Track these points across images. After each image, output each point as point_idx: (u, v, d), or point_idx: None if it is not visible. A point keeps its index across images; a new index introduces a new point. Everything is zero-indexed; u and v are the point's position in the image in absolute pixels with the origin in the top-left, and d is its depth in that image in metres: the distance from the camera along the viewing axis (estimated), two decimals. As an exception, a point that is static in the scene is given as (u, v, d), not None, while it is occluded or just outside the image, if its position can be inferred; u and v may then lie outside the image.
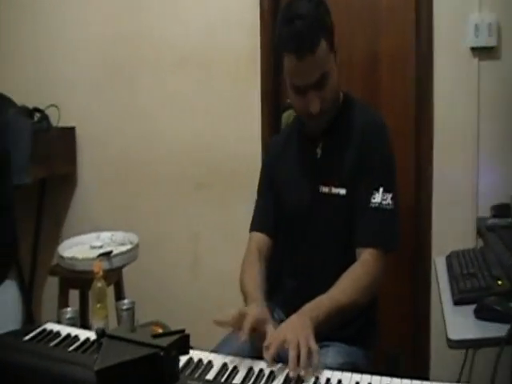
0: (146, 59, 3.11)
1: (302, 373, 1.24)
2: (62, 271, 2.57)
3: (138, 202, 3.22)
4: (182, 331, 0.96)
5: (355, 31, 2.79)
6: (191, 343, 0.98)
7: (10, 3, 3.30)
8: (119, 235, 2.79)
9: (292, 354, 1.27)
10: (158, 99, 3.12)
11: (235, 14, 2.92)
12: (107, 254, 2.52)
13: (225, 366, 1.30)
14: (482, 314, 1.53)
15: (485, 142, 2.56)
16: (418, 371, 2.66)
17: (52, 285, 2.74)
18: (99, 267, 2.05)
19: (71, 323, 1.77)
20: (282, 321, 1.67)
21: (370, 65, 2.81)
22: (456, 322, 1.55)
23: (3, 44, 3.33)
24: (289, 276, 1.83)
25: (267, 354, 1.30)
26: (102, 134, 3.25)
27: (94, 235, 2.81)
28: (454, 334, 1.46)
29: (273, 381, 1.24)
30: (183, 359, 1.28)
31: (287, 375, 1.25)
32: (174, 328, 1.00)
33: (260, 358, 1.33)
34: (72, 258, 2.53)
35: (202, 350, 1.38)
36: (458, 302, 1.65)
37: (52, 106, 3.14)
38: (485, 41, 2.50)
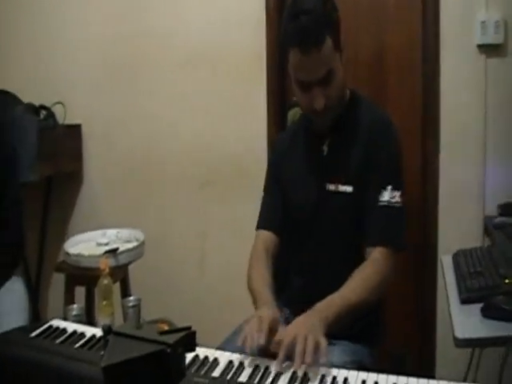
0: (152, 57, 3.11)
1: (308, 362, 1.24)
2: (68, 268, 2.58)
3: (143, 200, 3.22)
4: (189, 328, 0.96)
5: (362, 29, 2.78)
6: (197, 340, 0.98)
7: (16, 2, 3.31)
8: (125, 232, 2.79)
9: (299, 348, 1.27)
10: (164, 97, 3.12)
11: (241, 12, 2.92)
12: (113, 251, 2.52)
13: (231, 363, 1.30)
14: (489, 313, 1.52)
15: (492, 139, 2.54)
16: (424, 370, 2.66)
17: (58, 281, 2.74)
18: (105, 264, 2.05)
19: (77, 320, 1.77)
20: (287, 319, 1.67)
21: (377, 62, 2.80)
22: (463, 320, 1.54)
23: (9, 42, 3.34)
24: (295, 274, 1.83)
25: (278, 349, 1.30)
26: (108, 131, 3.25)
27: (99, 232, 2.82)
28: (461, 333, 1.46)
29: (279, 378, 1.23)
30: (189, 356, 1.28)
31: (293, 373, 1.25)
32: (180, 325, 1.00)
33: (269, 356, 1.33)
34: (78, 255, 2.53)
35: (208, 347, 1.37)
36: (465, 301, 1.64)
37: (58, 103, 3.14)
38: (492, 38, 2.49)
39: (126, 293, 2.66)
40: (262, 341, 1.32)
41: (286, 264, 1.83)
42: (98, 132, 3.26)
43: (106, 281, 2.02)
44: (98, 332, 1.42)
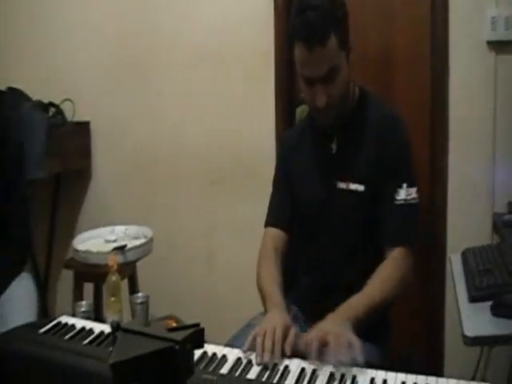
0: (161, 56, 3.11)
1: (344, 366, 1.24)
2: (77, 265, 2.58)
3: (152, 197, 3.22)
4: (197, 325, 0.96)
5: (370, 25, 2.77)
6: (205, 337, 0.98)
7: (25, -2, 3.33)
8: (133, 229, 2.80)
9: (334, 347, 1.28)
10: (172, 95, 3.12)
11: (248, 10, 2.91)
12: (121, 248, 2.53)
13: (239, 360, 1.30)
14: (498, 311, 1.51)
15: (501, 136, 2.53)
16: (432, 369, 2.64)
17: (67, 278, 2.75)
18: (114, 261, 2.06)
19: (86, 316, 1.77)
20: (295, 316, 1.67)
21: (385, 58, 2.79)
22: (472, 318, 1.53)
23: (18, 39, 3.35)
24: (302, 271, 1.83)
25: (307, 349, 1.31)
26: (117, 128, 3.25)
27: (108, 229, 2.83)
28: (470, 331, 1.45)
29: (287, 375, 1.24)
30: (198, 353, 1.28)
31: (302, 369, 1.25)
32: (187, 322, 1.00)
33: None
34: (86, 252, 2.54)
35: (216, 344, 1.37)
36: (474, 299, 1.63)
37: (67, 100, 3.15)
38: (502, 34, 2.47)
39: (134, 289, 2.67)
40: (278, 357, 1.31)
41: (293, 261, 1.83)
42: (107, 129, 3.26)
43: (114, 277, 2.03)
44: (107, 328, 1.43)
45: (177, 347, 0.89)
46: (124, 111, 3.23)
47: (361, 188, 1.68)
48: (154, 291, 2.25)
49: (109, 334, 1.38)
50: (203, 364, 1.27)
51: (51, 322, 1.48)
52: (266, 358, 1.30)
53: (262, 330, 1.40)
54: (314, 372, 1.24)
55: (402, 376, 1.22)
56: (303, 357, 1.31)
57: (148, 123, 3.19)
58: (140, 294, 2.11)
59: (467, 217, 2.61)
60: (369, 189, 1.67)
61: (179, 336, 0.91)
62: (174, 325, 0.98)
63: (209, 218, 3.13)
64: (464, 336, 1.44)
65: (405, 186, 1.66)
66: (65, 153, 3.08)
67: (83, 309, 1.87)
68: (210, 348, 1.34)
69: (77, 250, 2.57)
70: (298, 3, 1.59)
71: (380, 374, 1.23)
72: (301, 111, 2.17)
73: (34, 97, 3.09)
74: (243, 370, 1.26)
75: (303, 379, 1.22)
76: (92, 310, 1.91)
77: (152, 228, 2.77)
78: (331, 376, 1.23)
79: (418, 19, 2.70)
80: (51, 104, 3.12)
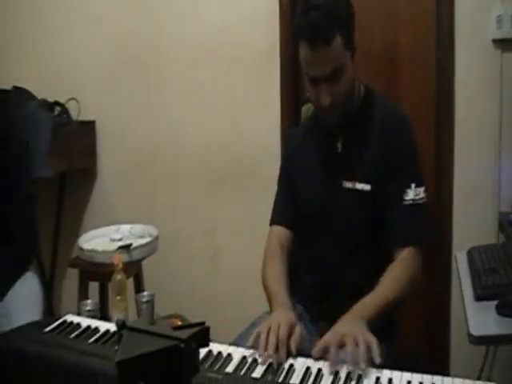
0: (165, 55, 3.11)
1: (363, 366, 1.23)
2: (82, 263, 2.59)
3: (157, 196, 3.23)
4: (202, 324, 0.96)
5: (375, 23, 2.76)
6: (210, 336, 0.98)
7: (30, -3, 3.34)
8: (138, 228, 2.80)
9: (351, 348, 1.28)
10: (177, 94, 3.12)
11: (253, 8, 2.90)
12: (127, 247, 2.53)
13: (244, 359, 1.30)
14: (503, 310, 1.51)
15: (507, 135, 2.51)
16: (438, 368, 2.63)
17: (72, 277, 2.76)
18: (119, 260, 2.06)
19: (91, 315, 1.78)
20: (300, 315, 1.66)
21: (390, 57, 2.78)
22: (478, 317, 1.53)
23: (23, 38, 3.35)
24: (305, 271, 1.82)
25: (321, 354, 1.31)
26: (122, 127, 3.25)
27: (113, 228, 2.83)
28: (476, 330, 1.45)
29: (292, 374, 1.23)
30: (203, 352, 1.28)
31: (307, 368, 1.25)
32: (193, 321, 1.00)
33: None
34: (92, 251, 2.55)
35: (221, 342, 1.37)
36: (479, 298, 1.63)
37: (72, 99, 3.15)
38: (507, 32, 2.45)
39: (139, 288, 2.67)
40: (282, 358, 1.31)
41: (297, 260, 1.83)
42: (112, 128, 3.27)
43: (119, 276, 2.03)
44: (112, 327, 1.43)
45: (182, 345, 0.89)
46: (129, 111, 3.23)
47: (367, 187, 1.68)
48: (159, 290, 2.25)
49: (114, 333, 1.38)
50: (208, 363, 1.27)
51: (56, 320, 1.48)
52: (271, 352, 1.30)
53: (266, 326, 1.40)
54: (319, 371, 1.24)
55: (407, 375, 1.22)
56: (308, 355, 1.31)
57: (153, 123, 3.19)
58: (145, 293, 2.11)
59: (473, 215, 2.60)
60: (375, 188, 1.67)
61: (184, 334, 0.91)
62: (179, 323, 0.98)
63: (211, 218, 3.13)
64: (470, 335, 1.44)
65: (413, 185, 1.65)
66: (70, 152, 3.09)
67: (88, 308, 1.87)
68: (215, 347, 1.34)
69: (82, 249, 2.57)
70: (303, 2, 1.59)
71: (386, 373, 1.23)
72: (306, 110, 2.16)
73: (39, 96, 3.09)
74: (248, 368, 1.26)
75: (308, 378, 1.22)
76: (97, 308, 1.91)
77: (157, 227, 2.77)
78: (336, 375, 1.23)
79: (422, 17, 2.69)
80: (56, 103, 3.13)
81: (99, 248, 2.58)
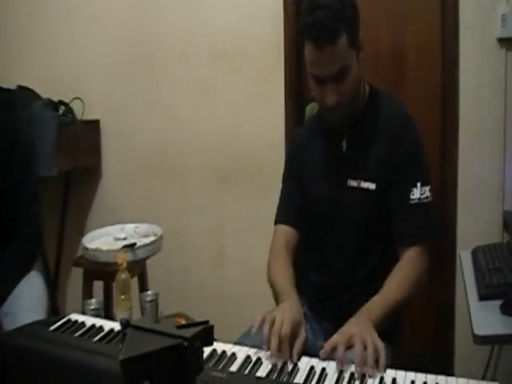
0: (170, 53, 3.12)
1: (370, 370, 1.23)
2: (87, 263, 2.59)
3: (162, 194, 3.23)
4: (206, 322, 0.96)
5: (380, 23, 2.76)
6: (215, 335, 0.98)
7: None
8: (143, 227, 2.80)
9: (359, 349, 1.27)
10: (182, 93, 3.13)
11: (258, 7, 2.91)
12: (131, 246, 2.53)
13: (248, 358, 1.30)
14: (508, 310, 1.51)
15: (511, 134, 2.51)
16: (443, 368, 2.64)
17: (77, 276, 2.76)
18: (123, 259, 2.07)
19: (95, 314, 1.78)
20: (305, 315, 1.66)
21: (396, 56, 2.79)
22: (482, 317, 1.53)
23: (27, 37, 3.37)
24: (313, 271, 1.82)
25: (329, 355, 1.30)
26: (126, 126, 3.26)
27: (118, 227, 2.83)
28: (480, 330, 1.45)
29: (296, 374, 1.24)
30: (207, 351, 1.28)
31: (311, 368, 1.25)
32: (197, 320, 1.00)
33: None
34: (96, 250, 2.55)
35: (225, 341, 1.37)
36: (483, 297, 1.63)
37: (76, 98, 3.16)
38: (512, 31, 2.46)
39: (143, 287, 2.68)
40: (286, 358, 1.31)
41: (304, 260, 1.83)
42: (116, 127, 3.28)
43: (123, 275, 2.04)
44: (116, 326, 1.43)
45: (186, 344, 0.89)
46: (133, 109, 3.24)
47: (372, 186, 1.67)
48: (163, 289, 2.25)
49: (118, 332, 1.38)
50: (213, 362, 1.27)
51: (61, 319, 1.48)
52: (274, 352, 1.31)
53: (271, 317, 1.40)
54: (323, 370, 1.24)
55: (411, 375, 1.22)
56: (312, 355, 1.31)
57: (157, 121, 3.20)
58: (149, 292, 2.11)
59: (477, 215, 2.60)
60: (380, 187, 1.67)
61: (188, 333, 0.91)
62: (184, 322, 0.98)
63: (218, 216, 3.13)
64: (474, 335, 1.44)
65: (419, 184, 1.65)
66: (75, 151, 3.09)
67: (93, 306, 1.87)
68: (219, 346, 1.34)
69: (86, 248, 2.58)
70: (309, 2, 1.58)
71: (389, 373, 1.23)
72: (311, 109, 2.16)
73: (44, 95, 3.10)
74: (252, 367, 1.26)
75: (312, 377, 1.22)
76: (102, 307, 1.92)
77: (162, 226, 2.77)
78: (340, 374, 1.23)
79: (427, 16, 2.69)
80: (61, 102, 3.14)
81: (103, 247, 2.58)
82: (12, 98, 2.57)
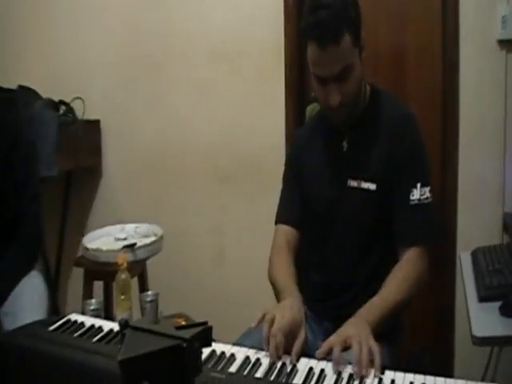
0: (171, 53, 3.12)
1: (364, 371, 1.23)
2: (87, 263, 2.60)
3: (162, 194, 3.24)
4: (205, 323, 0.97)
5: (381, 24, 2.76)
6: (215, 335, 0.98)
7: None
8: (143, 227, 2.80)
9: (357, 349, 1.28)
10: (182, 93, 3.13)
11: (259, 8, 2.91)
12: (131, 246, 2.54)
13: (247, 358, 1.30)
14: (507, 311, 1.51)
15: (512, 135, 2.52)
16: (442, 369, 2.64)
17: (77, 276, 2.76)
18: (123, 259, 2.07)
19: (95, 314, 1.78)
20: (305, 314, 1.66)
21: (397, 55, 2.79)
22: (481, 318, 1.53)
23: (28, 37, 3.37)
24: (314, 271, 1.82)
25: (325, 355, 1.31)
26: (127, 126, 3.27)
27: (118, 227, 2.84)
28: (479, 331, 1.45)
29: (295, 375, 1.24)
30: (206, 351, 1.28)
31: (310, 369, 1.25)
32: (197, 320, 1.00)
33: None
34: (96, 250, 2.55)
35: (225, 342, 1.38)
36: (483, 299, 1.63)
37: (77, 98, 3.16)
38: (513, 33, 2.46)
39: (143, 287, 2.68)
40: (280, 354, 1.32)
41: (304, 260, 1.83)
42: (117, 127, 3.28)
43: (123, 275, 2.04)
44: (116, 326, 1.43)
45: (184, 345, 0.89)
46: (134, 109, 3.24)
47: (372, 187, 1.67)
48: (164, 289, 2.25)
49: (118, 332, 1.38)
50: (212, 362, 1.27)
51: (61, 319, 1.49)
52: (273, 353, 1.31)
53: (270, 316, 1.40)
54: (322, 371, 1.24)
55: (410, 376, 1.21)
56: (311, 356, 1.31)
57: (158, 121, 3.20)
58: (149, 292, 2.11)
59: (477, 216, 2.60)
60: (380, 187, 1.67)
61: (187, 334, 0.91)
62: (183, 323, 0.98)
63: (219, 216, 3.13)
64: (473, 336, 1.44)
65: (419, 185, 1.65)
66: (75, 151, 3.09)
67: (93, 307, 1.87)
68: (218, 347, 1.34)
69: (87, 248, 2.58)
70: (311, 2, 1.58)
71: (388, 374, 1.23)
72: (311, 109, 2.16)
73: (45, 95, 3.10)
74: (252, 368, 1.26)
75: (311, 378, 1.22)
76: (102, 307, 1.92)
77: (162, 226, 2.78)
78: (339, 375, 1.23)
79: (428, 17, 2.70)
80: (62, 102, 3.14)
81: (104, 247, 2.58)
82: (13, 97, 2.58)
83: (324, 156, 1.80)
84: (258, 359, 1.30)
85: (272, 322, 1.39)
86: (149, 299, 2.06)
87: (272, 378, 1.22)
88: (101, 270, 2.52)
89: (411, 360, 1.72)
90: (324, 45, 1.53)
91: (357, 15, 1.60)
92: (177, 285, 3.13)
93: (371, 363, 1.25)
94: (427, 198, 1.66)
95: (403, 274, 1.60)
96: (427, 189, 1.66)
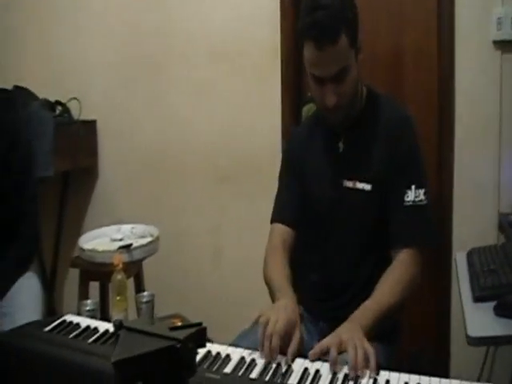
0: (171, 53, 3.12)
1: (359, 373, 1.23)
2: (83, 263, 2.60)
3: (159, 195, 3.23)
4: (199, 324, 0.97)
5: (378, 26, 2.76)
6: (213, 336, 0.99)
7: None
8: (140, 228, 2.80)
9: (352, 353, 1.28)
10: (182, 93, 3.12)
11: (256, 8, 2.91)
12: (127, 247, 2.53)
13: (243, 359, 1.31)
14: (502, 311, 1.51)
15: (507, 136, 2.51)
16: (439, 370, 2.64)
17: (74, 277, 2.76)
18: (119, 260, 2.06)
19: (91, 315, 1.78)
20: (301, 316, 1.67)
21: (394, 57, 2.79)
22: (476, 318, 1.53)
23: (24, 37, 3.36)
24: (314, 270, 1.81)
25: (318, 356, 1.31)
26: (123, 127, 3.26)
27: (114, 228, 2.83)
28: (474, 331, 1.45)
29: (290, 375, 1.24)
30: (201, 352, 1.28)
31: (305, 369, 1.25)
32: (194, 321, 1.00)
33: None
34: (92, 251, 2.55)
35: (222, 342, 1.38)
36: (478, 299, 1.63)
37: (73, 99, 3.16)
38: (508, 34, 2.45)
39: (140, 288, 2.68)
40: (275, 356, 1.32)
41: (301, 260, 1.82)
42: (113, 128, 3.28)
43: (119, 276, 2.03)
44: (111, 327, 1.44)
45: (178, 346, 0.89)
46: (130, 110, 3.24)
47: (367, 187, 1.68)
48: (160, 290, 2.26)
49: (113, 333, 1.38)
50: (207, 363, 1.27)
51: (56, 320, 1.49)
52: (267, 354, 1.32)
53: (265, 318, 1.40)
54: (317, 372, 1.25)
55: (405, 376, 1.22)
56: (306, 356, 1.31)
57: (154, 122, 3.20)
58: (145, 293, 2.11)
59: (473, 217, 2.60)
60: (376, 188, 1.67)
61: (181, 335, 0.92)
62: (179, 324, 0.98)
63: (216, 216, 3.13)
64: (467, 336, 1.44)
65: (413, 187, 1.65)
66: (72, 151, 3.09)
67: (88, 307, 1.87)
68: (213, 347, 1.34)
69: (83, 249, 2.58)
70: (309, 2, 1.58)
71: (383, 375, 1.23)
72: (307, 110, 2.16)
73: (41, 95, 3.10)
74: (247, 369, 1.27)
75: (306, 379, 1.23)
76: (97, 308, 1.91)
77: (159, 226, 2.77)
78: (334, 375, 1.23)
79: (424, 19, 2.70)
80: (58, 103, 3.14)
81: (99, 248, 2.58)
82: (11, 98, 2.58)
83: (321, 156, 1.80)
84: (253, 360, 1.30)
85: (267, 324, 1.39)
86: (145, 300, 2.06)
87: (267, 378, 1.23)
88: (97, 271, 2.52)
89: (407, 361, 1.73)
90: (321, 45, 1.53)
91: (354, 17, 1.61)
92: (176, 285, 3.13)
93: (367, 365, 1.26)
94: (421, 200, 1.65)
95: (396, 276, 1.60)
96: (422, 191, 1.66)
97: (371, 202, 1.68)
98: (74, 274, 2.79)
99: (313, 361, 1.30)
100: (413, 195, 1.65)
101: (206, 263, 3.18)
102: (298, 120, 2.48)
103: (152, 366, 0.89)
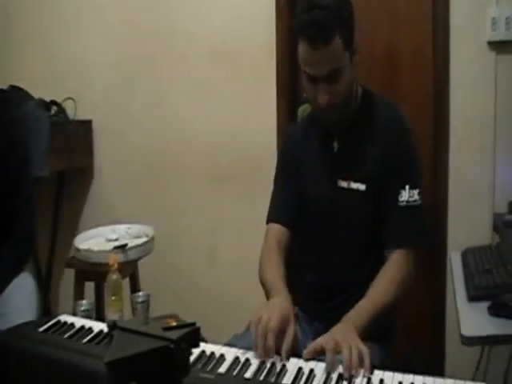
0: (171, 53, 3.12)
1: (354, 372, 1.24)
2: (78, 263, 2.59)
3: (154, 195, 3.23)
4: (193, 324, 0.97)
5: (373, 27, 2.77)
6: (207, 336, 0.99)
7: (28, -3, 3.34)
8: (135, 228, 2.80)
9: (347, 354, 1.28)
10: (182, 93, 3.12)
11: (251, 8, 2.91)
12: (122, 247, 2.53)
13: (237, 359, 1.31)
14: (496, 311, 1.52)
15: (502, 136, 2.53)
16: (434, 369, 2.64)
17: (69, 277, 2.76)
18: (114, 260, 2.07)
19: (86, 315, 1.78)
20: (296, 316, 1.67)
21: (389, 58, 2.80)
22: (470, 318, 1.54)
23: (20, 37, 3.36)
24: (310, 270, 1.81)
25: (312, 355, 1.31)
26: (119, 127, 3.26)
27: (109, 228, 2.83)
28: (468, 331, 1.46)
29: (284, 375, 1.24)
30: (196, 352, 1.28)
31: (299, 369, 1.26)
32: (189, 321, 1.00)
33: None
34: (87, 251, 2.55)
35: (217, 343, 1.38)
36: (472, 299, 1.64)
37: (69, 99, 3.16)
38: (502, 35, 2.47)
39: (135, 288, 2.68)
40: (271, 355, 1.32)
41: (296, 260, 1.82)
42: (109, 128, 3.27)
43: (114, 276, 2.04)
44: (106, 327, 1.43)
45: (172, 346, 0.89)
46: (126, 110, 3.24)
47: (362, 187, 1.68)
48: (156, 290, 2.26)
49: (107, 333, 1.38)
50: (201, 363, 1.27)
51: (50, 320, 1.48)
52: (261, 353, 1.32)
53: (258, 316, 1.40)
54: (311, 371, 1.25)
55: (399, 376, 1.22)
56: (301, 356, 1.32)
57: (150, 122, 3.20)
58: (141, 293, 2.11)
59: (468, 217, 2.61)
60: (370, 188, 1.67)
61: (175, 335, 0.92)
62: (174, 324, 0.98)
63: (211, 217, 3.13)
64: (462, 336, 1.45)
65: (407, 187, 1.65)
66: (67, 151, 3.09)
67: (84, 308, 1.87)
68: (208, 347, 1.34)
69: (78, 249, 2.58)
70: (306, 1, 1.58)
71: (377, 374, 1.23)
72: (303, 110, 2.16)
73: (36, 95, 3.10)
74: (241, 369, 1.26)
75: (300, 378, 1.23)
76: (93, 308, 1.91)
77: (155, 226, 2.77)
78: (328, 375, 1.23)
79: (420, 20, 2.71)
80: (53, 102, 3.14)
81: (95, 248, 2.58)
82: (7, 98, 2.58)
83: (316, 156, 1.80)
84: (247, 359, 1.30)
85: (258, 322, 1.39)
86: (140, 300, 2.06)
87: (261, 378, 1.23)
88: (92, 271, 2.52)
89: (403, 360, 1.73)
90: (315, 44, 1.54)
91: (350, 18, 1.61)
92: (171, 285, 3.13)
93: (361, 365, 1.26)
94: (416, 200, 1.66)
95: (389, 276, 1.60)
96: (416, 191, 1.66)
97: (366, 202, 1.69)
98: (69, 274, 2.79)
99: (307, 360, 1.30)
100: (407, 195, 1.65)
101: (201, 263, 3.18)
102: (293, 120, 2.48)
103: (145, 366, 0.89)
